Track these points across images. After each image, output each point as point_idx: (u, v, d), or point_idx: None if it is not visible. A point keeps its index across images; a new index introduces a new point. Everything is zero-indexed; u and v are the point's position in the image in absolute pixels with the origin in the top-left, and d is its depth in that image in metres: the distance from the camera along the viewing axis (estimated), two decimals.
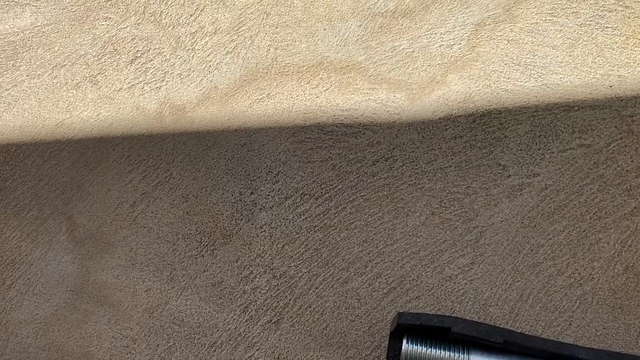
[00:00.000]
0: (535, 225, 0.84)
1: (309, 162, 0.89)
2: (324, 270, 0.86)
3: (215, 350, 0.84)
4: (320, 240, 0.87)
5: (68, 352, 0.85)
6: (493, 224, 0.84)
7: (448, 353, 0.69)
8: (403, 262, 0.85)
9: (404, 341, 0.70)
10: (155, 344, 0.85)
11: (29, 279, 0.89)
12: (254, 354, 0.84)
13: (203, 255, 0.87)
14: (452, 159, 0.87)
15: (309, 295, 0.85)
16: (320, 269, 0.86)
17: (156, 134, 0.91)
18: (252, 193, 0.89)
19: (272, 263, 0.86)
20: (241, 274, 0.86)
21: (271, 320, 0.85)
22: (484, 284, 0.84)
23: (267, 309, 0.85)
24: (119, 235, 0.89)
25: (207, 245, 0.87)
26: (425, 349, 0.70)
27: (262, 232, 0.87)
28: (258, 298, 0.85)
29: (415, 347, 0.70)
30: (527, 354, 0.69)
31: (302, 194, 0.88)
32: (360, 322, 0.84)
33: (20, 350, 0.86)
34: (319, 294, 0.85)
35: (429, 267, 0.85)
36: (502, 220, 0.84)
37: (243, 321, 0.85)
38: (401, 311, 0.70)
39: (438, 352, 0.69)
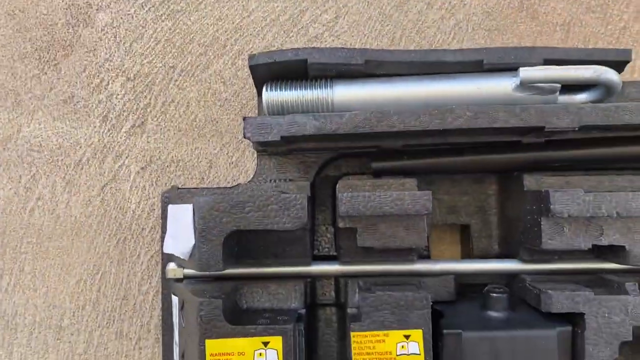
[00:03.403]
0: None
1: None
2: (180, 60, 0.78)
3: (82, 168, 0.77)
4: (170, 29, 0.78)
5: None
6: None
7: (311, 91, 0.63)
8: (264, 32, 0.77)
9: (264, 89, 0.64)
10: (17, 176, 0.77)
11: None
12: (124, 162, 0.77)
13: (46, 73, 0.78)
14: None
15: (170, 90, 0.77)
16: (176, 59, 0.78)
17: None
18: None
19: (123, 65, 0.78)
20: (92, 83, 0.78)
21: (135, 125, 0.77)
22: (352, 37, 0.77)
23: (128, 114, 0.77)
24: None
25: (47, 61, 0.78)
26: (286, 91, 0.63)
27: (104, 34, 0.78)
28: (116, 104, 0.78)
29: (275, 92, 0.63)
30: (393, 73, 0.63)
31: None
32: (230, 105, 0.77)
33: None
34: (180, 85, 0.77)
35: (292, 31, 0.77)
36: None
37: (105, 132, 0.77)
38: (251, 53, 0.62)
39: (300, 92, 0.63)
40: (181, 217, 0.60)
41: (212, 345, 0.54)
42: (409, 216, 0.57)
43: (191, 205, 0.58)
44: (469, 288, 0.70)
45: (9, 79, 0.78)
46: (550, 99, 0.61)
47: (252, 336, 0.54)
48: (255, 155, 0.75)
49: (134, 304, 0.77)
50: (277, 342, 0.54)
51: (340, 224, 0.59)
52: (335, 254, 0.68)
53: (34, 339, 0.77)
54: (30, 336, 0.77)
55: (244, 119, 0.59)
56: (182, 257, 0.59)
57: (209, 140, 0.77)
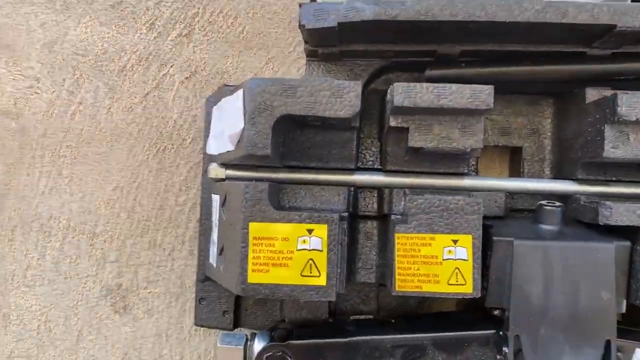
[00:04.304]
0: None
1: None
2: None
3: (126, 75, 0.76)
4: None
5: None
6: None
7: None
8: None
9: None
10: (60, 79, 0.77)
11: None
12: (168, 71, 0.76)
13: None
14: None
15: (219, 0, 0.76)
16: None
17: None
18: None
19: None
20: None
21: (181, 34, 0.76)
22: None
23: (176, 22, 0.76)
24: None
25: None
26: None
27: None
28: (164, 12, 0.76)
29: None
30: None
31: None
32: (279, 18, 0.76)
33: None
34: None
35: None
36: None
37: (151, 39, 0.76)
38: None
39: None
40: (229, 106, 0.58)
41: (256, 229, 0.52)
42: (465, 115, 0.55)
43: (242, 90, 0.56)
44: (518, 213, 0.67)
45: None
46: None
47: (298, 222, 0.52)
48: (302, 71, 0.73)
49: (170, 214, 0.75)
50: (322, 230, 0.53)
51: (392, 123, 0.57)
52: (379, 167, 0.66)
53: (67, 243, 0.76)
54: (64, 240, 0.76)
55: (300, 5, 0.57)
56: (229, 144, 0.57)
57: (255, 54, 0.75)
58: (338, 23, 0.55)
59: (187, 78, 0.76)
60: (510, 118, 0.68)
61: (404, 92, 0.53)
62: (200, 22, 0.76)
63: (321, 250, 0.52)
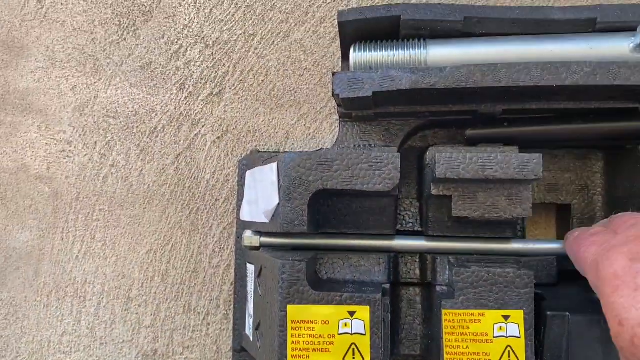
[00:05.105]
0: None
1: None
2: (260, 28, 0.75)
3: (157, 136, 0.75)
4: None
5: (3, 169, 0.78)
6: None
7: (402, 51, 0.59)
8: None
9: (352, 50, 0.60)
10: (92, 142, 0.76)
11: None
12: (200, 131, 0.75)
13: (125, 39, 0.77)
14: None
15: (249, 58, 0.75)
16: (256, 27, 0.75)
17: None
18: None
19: (202, 31, 0.76)
20: (170, 50, 0.76)
21: (212, 93, 0.75)
22: None
23: (206, 82, 0.75)
24: (31, 36, 0.79)
25: (127, 26, 0.77)
26: (376, 52, 0.59)
27: (184, 0, 0.77)
28: (194, 72, 0.76)
29: (364, 53, 0.60)
30: (493, 32, 0.58)
31: None
32: (310, 75, 0.74)
33: None
34: (260, 54, 0.75)
35: None
36: None
37: (182, 100, 0.75)
38: (341, 9, 0.59)
39: (391, 52, 0.59)
40: (263, 177, 0.57)
41: (294, 312, 0.50)
42: (512, 183, 0.52)
43: (275, 164, 0.54)
44: (569, 275, 0.63)
45: (89, 44, 0.78)
46: None
47: (338, 304, 0.50)
48: (334, 127, 0.71)
49: (204, 277, 0.74)
50: (364, 312, 0.50)
51: (434, 191, 0.54)
52: (420, 229, 0.63)
53: (102, 308, 0.75)
54: (99, 305, 0.75)
55: (334, 74, 0.55)
56: (263, 218, 0.55)
57: (286, 111, 0.74)
58: (373, 92, 0.53)
59: (218, 138, 0.74)
60: (557, 174, 0.64)
61: (445, 164, 0.51)
62: (231, 81, 0.75)
63: (364, 334, 0.49)
